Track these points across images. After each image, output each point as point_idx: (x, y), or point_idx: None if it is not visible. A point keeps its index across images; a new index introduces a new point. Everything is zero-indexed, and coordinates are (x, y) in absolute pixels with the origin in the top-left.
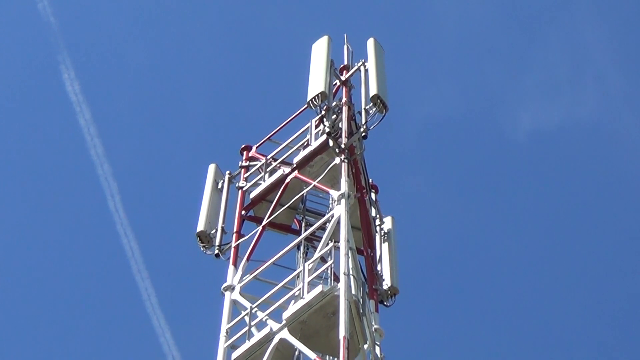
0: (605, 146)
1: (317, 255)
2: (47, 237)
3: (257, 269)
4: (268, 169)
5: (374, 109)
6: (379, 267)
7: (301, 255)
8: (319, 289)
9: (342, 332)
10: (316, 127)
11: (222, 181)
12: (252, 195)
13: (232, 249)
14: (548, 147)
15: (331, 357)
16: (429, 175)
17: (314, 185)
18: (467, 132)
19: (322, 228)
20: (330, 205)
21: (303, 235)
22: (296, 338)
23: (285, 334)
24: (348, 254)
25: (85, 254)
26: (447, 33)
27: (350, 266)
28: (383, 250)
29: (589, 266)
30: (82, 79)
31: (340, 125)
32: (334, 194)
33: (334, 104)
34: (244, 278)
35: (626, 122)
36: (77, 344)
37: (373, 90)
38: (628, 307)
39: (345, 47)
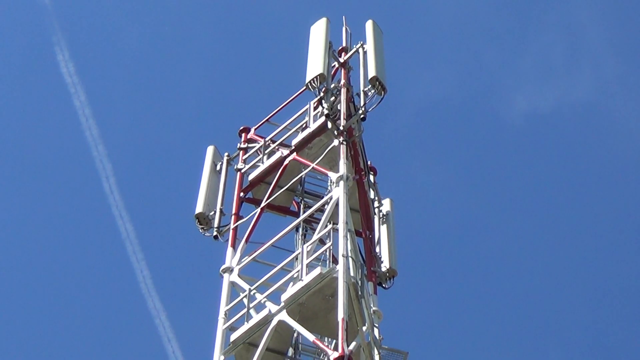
0: (600, 129)
1: (315, 237)
2: (41, 219)
3: (256, 251)
4: (267, 151)
5: (372, 91)
6: (377, 249)
7: (300, 237)
8: (317, 271)
9: (340, 314)
10: (315, 109)
11: (220, 163)
12: (251, 177)
13: (231, 231)
14: (543, 130)
15: (330, 339)
16: (423, 158)
17: (313, 167)
18: (462, 114)
19: (321, 210)
20: (329, 187)
21: (302, 217)
22: (295, 320)
23: (283, 316)
24: (347, 236)
25: (79, 237)
26: (443, 15)
27: (349, 248)
28: (381, 232)
29: (583, 248)
30: (76, 60)
31: (338, 107)
32: (333, 176)
33: (332, 85)
34: (242, 260)
35: (621, 105)
36: (72, 327)
37: (372, 72)
38: (624, 290)
39: (344, 29)
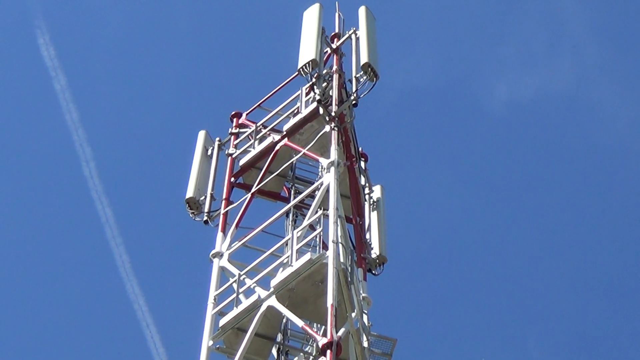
0: (581, 117)
1: (306, 222)
2: (19, 202)
3: (246, 236)
4: (258, 136)
5: (364, 77)
6: (367, 236)
7: (290, 222)
8: (307, 256)
9: (330, 300)
10: (306, 94)
11: (211, 148)
12: (242, 162)
13: (221, 216)
14: (524, 118)
15: (319, 325)
16: (406, 145)
17: (304, 153)
18: (443, 102)
19: (311, 196)
20: (320, 173)
21: (292, 202)
22: (284, 305)
23: (273, 302)
24: (337, 222)
25: (59, 222)
26: (425, 2)
27: (339, 234)
28: (372, 218)
29: (564, 236)
30: (57, 44)
31: (330, 93)
32: (324, 161)
33: (324, 71)
34: (232, 245)
35: (602, 93)
36: (53, 314)
37: (364, 59)
38: (604, 280)
39: (337, 14)
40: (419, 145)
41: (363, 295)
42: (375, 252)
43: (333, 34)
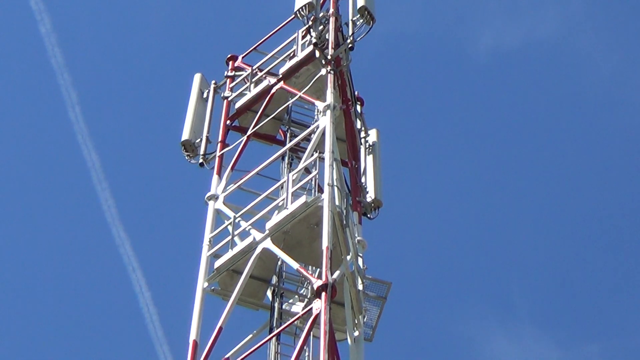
0: (566, 65)
1: (301, 165)
2: (4, 147)
3: (241, 179)
4: (254, 79)
5: (361, 21)
6: (363, 180)
7: (285, 165)
8: (302, 199)
9: (325, 242)
10: (303, 37)
11: (207, 91)
12: (238, 105)
13: (217, 159)
14: (509, 66)
15: (313, 268)
16: (395, 89)
17: (300, 96)
18: (427, 50)
19: (307, 139)
20: (316, 117)
21: (288, 145)
22: (279, 248)
23: (268, 244)
24: (332, 165)
25: (45, 164)
26: None
27: (335, 177)
28: (367, 162)
29: (545, 184)
30: None
31: (327, 36)
32: (320, 105)
33: (321, 14)
34: (227, 188)
35: (587, 42)
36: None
37: (361, 2)
38: (588, 229)
39: None
40: (411, 91)
41: (358, 238)
42: (370, 195)
43: None
